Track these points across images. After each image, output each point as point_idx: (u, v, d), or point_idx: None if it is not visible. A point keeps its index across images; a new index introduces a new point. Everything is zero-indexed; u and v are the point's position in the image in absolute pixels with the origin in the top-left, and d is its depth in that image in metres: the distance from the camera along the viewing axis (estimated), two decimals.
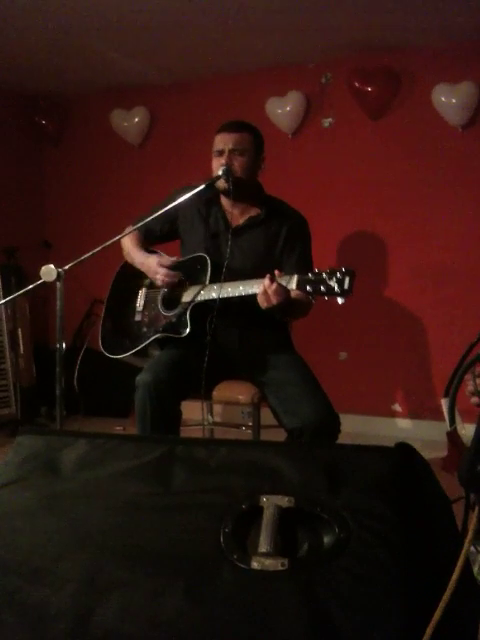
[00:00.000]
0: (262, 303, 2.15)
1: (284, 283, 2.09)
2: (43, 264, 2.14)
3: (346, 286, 1.94)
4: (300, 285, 2.04)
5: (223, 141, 2.41)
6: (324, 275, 1.98)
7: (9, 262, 4.23)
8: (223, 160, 2.39)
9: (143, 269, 2.56)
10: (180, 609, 1.04)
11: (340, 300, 1.96)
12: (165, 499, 1.35)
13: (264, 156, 2.50)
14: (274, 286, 2.09)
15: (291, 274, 2.09)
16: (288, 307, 2.18)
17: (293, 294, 2.14)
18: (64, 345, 2.23)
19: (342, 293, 1.95)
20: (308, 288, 2.01)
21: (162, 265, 2.47)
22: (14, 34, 3.54)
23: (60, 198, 4.82)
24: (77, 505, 1.35)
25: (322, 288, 1.98)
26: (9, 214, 4.48)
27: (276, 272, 2.13)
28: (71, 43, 3.67)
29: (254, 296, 2.18)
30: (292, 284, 2.07)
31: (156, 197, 2.60)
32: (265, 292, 2.12)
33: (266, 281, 2.11)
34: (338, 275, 1.95)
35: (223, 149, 2.40)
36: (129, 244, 2.64)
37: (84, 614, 1.05)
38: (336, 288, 1.95)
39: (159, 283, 2.49)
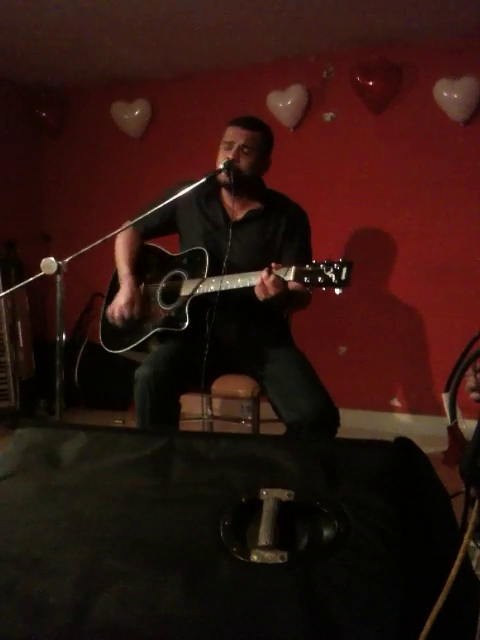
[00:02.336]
0: (259, 295, 2.15)
1: (281, 275, 2.09)
2: (42, 257, 2.13)
3: (343, 277, 1.94)
4: (297, 276, 2.04)
5: (235, 135, 2.39)
6: (321, 266, 1.98)
7: (8, 255, 4.23)
8: (231, 154, 2.38)
9: (120, 287, 2.56)
10: (179, 602, 1.04)
11: (337, 291, 1.96)
12: (164, 492, 1.36)
13: (270, 158, 2.50)
14: (271, 278, 2.09)
15: (289, 266, 2.09)
16: (286, 299, 2.18)
17: (291, 286, 2.14)
18: (64, 338, 2.23)
19: (339, 284, 1.94)
20: (305, 279, 2.01)
21: (124, 308, 2.49)
22: (15, 26, 3.52)
23: (60, 191, 4.80)
24: (77, 497, 1.35)
25: (319, 279, 1.98)
26: (8, 207, 4.46)
27: (273, 264, 2.13)
28: (73, 35, 3.66)
29: (253, 289, 2.17)
30: (290, 275, 2.07)
31: (156, 190, 2.59)
32: (262, 284, 2.12)
33: (263, 273, 2.12)
34: (335, 266, 1.95)
35: (233, 142, 2.38)
36: (120, 249, 2.63)
37: (83, 606, 1.05)
38: (333, 279, 1.95)
39: (115, 312, 2.51)
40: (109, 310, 2.54)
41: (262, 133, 2.43)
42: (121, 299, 2.51)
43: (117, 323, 2.51)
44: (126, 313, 2.48)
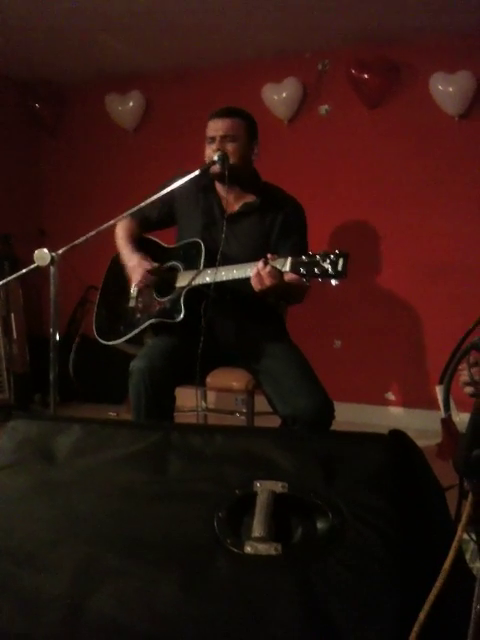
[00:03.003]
0: (255, 286, 2.14)
1: (278, 266, 2.09)
2: None
3: (340, 268, 1.93)
4: (294, 267, 2.04)
5: (214, 128, 2.40)
6: (318, 257, 1.97)
7: (4, 250, 4.21)
8: (215, 147, 2.37)
9: (127, 264, 2.54)
10: (175, 596, 1.04)
11: (334, 282, 1.95)
12: (160, 488, 1.35)
13: (258, 142, 2.49)
14: (267, 268, 2.09)
15: (285, 257, 2.09)
16: (282, 291, 2.18)
17: (287, 277, 2.13)
18: (58, 331, 2.22)
19: (336, 275, 1.94)
20: (302, 270, 2.01)
21: (143, 267, 2.46)
22: (11, 20, 3.49)
23: (56, 185, 4.78)
24: (72, 492, 1.35)
25: (316, 270, 1.97)
26: (4, 201, 4.44)
27: (269, 255, 2.13)
28: (69, 29, 3.63)
29: (249, 282, 2.16)
30: (286, 266, 2.06)
31: (151, 183, 2.58)
32: (258, 274, 2.11)
33: (260, 264, 2.11)
34: (332, 257, 1.94)
35: (214, 136, 2.38)
36: (121, 234, 2.63)
37: (78, 601, 1.05)
38: (330, 270, 1.94)
39: (134, 282, 2.49)
40: (135, 275, 2.50)
41: (241, 119, 2.42)
42: (134, 264, 2.49)
43: (143, 284, 2.48)
44: (146, 265, 2.45)
